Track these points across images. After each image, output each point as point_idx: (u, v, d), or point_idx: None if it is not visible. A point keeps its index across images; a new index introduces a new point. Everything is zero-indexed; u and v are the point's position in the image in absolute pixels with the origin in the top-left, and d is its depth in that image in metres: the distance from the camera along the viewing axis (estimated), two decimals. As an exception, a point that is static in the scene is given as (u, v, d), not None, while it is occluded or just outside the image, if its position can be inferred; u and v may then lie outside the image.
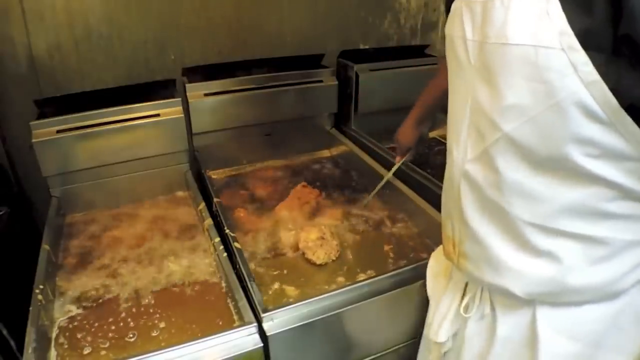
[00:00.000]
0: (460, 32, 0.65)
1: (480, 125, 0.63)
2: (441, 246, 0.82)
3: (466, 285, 0.77)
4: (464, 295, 0.77)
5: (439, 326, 0.80)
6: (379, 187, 1.27)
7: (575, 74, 0.50)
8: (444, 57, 0.95)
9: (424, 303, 0.85)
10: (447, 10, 0.73)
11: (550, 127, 0.54)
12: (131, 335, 0.87)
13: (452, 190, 0.71)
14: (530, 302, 0.66)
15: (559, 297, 0.64)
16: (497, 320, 0.72)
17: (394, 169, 1.27)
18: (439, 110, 1.21)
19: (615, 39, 0.48)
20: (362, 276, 1.01)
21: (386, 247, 1.11)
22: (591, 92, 0.50)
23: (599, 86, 0.49)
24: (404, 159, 1.26)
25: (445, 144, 1.64)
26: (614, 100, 0.49)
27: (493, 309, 0.73)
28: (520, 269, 0.64)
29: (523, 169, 0.59)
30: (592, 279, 0.61)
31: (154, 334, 0.87)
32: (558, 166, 0.56)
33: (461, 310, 0.77)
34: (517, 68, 0.55)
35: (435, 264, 0.89)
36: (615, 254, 0.60)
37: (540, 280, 0.63)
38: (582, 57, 0.49)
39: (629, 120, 0.50)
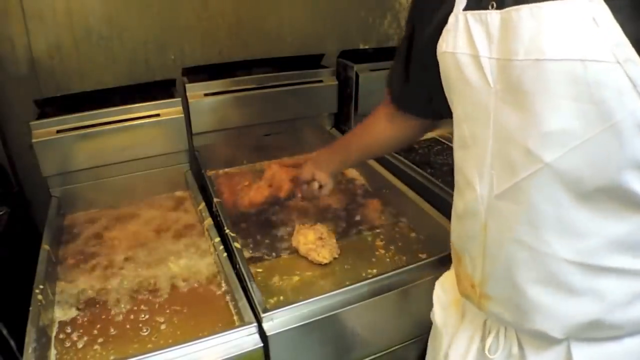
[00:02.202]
0: (469, 49, 0.57)
1: (510, 156, 0.55)
2: (447, 274, 0.79)
3: (485, 321, 0.71)
4: (484, 333, 0.71)
5: None
6: None
7: (635, 91, 0.44)
8: (388, 88, 0.87)
9: (424, 304, 0.85)
10: (411, 22, 0.67)
11: (604, 153, 0.47)
12: (131, 335, 0.87)
13: (474, 227, 0.64)
14: (565, 339, 0.60)
15: (598, 334, 0.58)
16: None
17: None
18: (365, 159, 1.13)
19: None
20: (363, 275, 1.01)
21: (386, 247, 1.11)
22: None
23: None
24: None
25: (445, 144, 1.65)
26: None
27: (521, 347, 0.66)
28: (556, 310, 0.58)
29: (565, 203, 0.52)
30: (635, 314, 0.56)
31: (154, 334, 0.87)
32: (608, 196, 0.50)
33: (486, 351, 0.69)
34: (559, 87, 0.47)
35: (444, 294, 0.82)
36: None
37: (581, 320, 0.57)
38: None
39: None
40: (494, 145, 0.57)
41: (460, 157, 0.66)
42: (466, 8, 0.59)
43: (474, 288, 0.67)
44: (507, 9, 0.52)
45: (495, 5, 0.54)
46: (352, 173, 1.47)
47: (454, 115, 0.65)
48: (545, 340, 0.61)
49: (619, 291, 0.55)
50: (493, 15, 0.53)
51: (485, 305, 0.65)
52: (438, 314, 0.81)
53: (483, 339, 0.71)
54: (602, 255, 0.53)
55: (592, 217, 0.52)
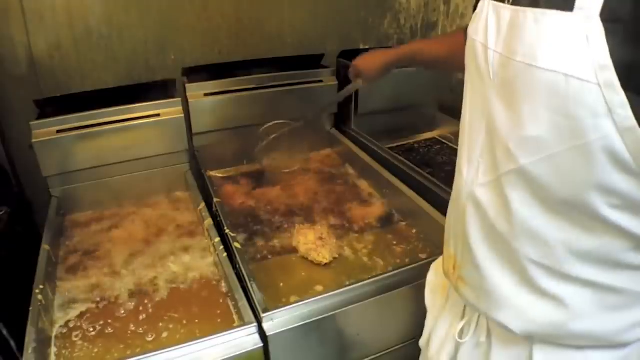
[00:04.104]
0: (483, 37, 0.58)
1: (496, 150, 0.57)
2: (441, 258, 0.79)
3: (465, 307, 0.72)
4: (462, 318, 0.72)
5: (439, 350, 0.76)
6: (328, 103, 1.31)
7: (609, 116, 0.43)
8: (463, 30, 0.85)
9: (424, 303, 0.85)
10: (475, 7, 0.65)
11: (571, 169, 0.48)
12: (131, 335, 0.87)
13: (458, 211, 0.66)
14: (528, 338, 0.62)
15: (560, 340, 0.59)
16: (492, 351, 0.67)
17: (352, 89, 1.25)
18: (421, 65, 1.19)
19: None
20: (363, 275, 1.01)
21: (386, 247, 1.11)
22: (625, 140, 0.44)
23: (636, 134, 0.43)
24: (358, 86, 1.22)
25: (444, 144, 1.65)
26: None
27: (489, 337, 0.68)
28: (520, 306, 0.59)
29: (536, 208, 0.54)
30: (598, 327, 0.56)
31: (153, 334, 0.87)
32: (575, 211, 0.51)
33: (456, 335, 0.72)
34: (543, 96, 0.48)
35: (435, 277, 0.84)
36: (628, 305, 0.55)
37: (541, 321, 0.58)
38: (620, 98, 0.43)
39: None
40: (486, 136, 0.59)
41: (459, 141, 0.68)
42: None
43: (454, 270, 0.69)
44: (518, 7, 0.52)
45: (510, 1, 0.55)
46: (352, 173, 1.47)
47: (464, 98, 0.66)
48: (510, 334, 0.62)
49: (583, 301, 0.55)
50: (506, 10, 0.54)
51: (462, 287, 0.68)
52: (427, 295, 0.84)
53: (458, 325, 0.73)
54: (567, 264, 0.54)
55: (561, 227, 0.53)
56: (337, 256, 1.06)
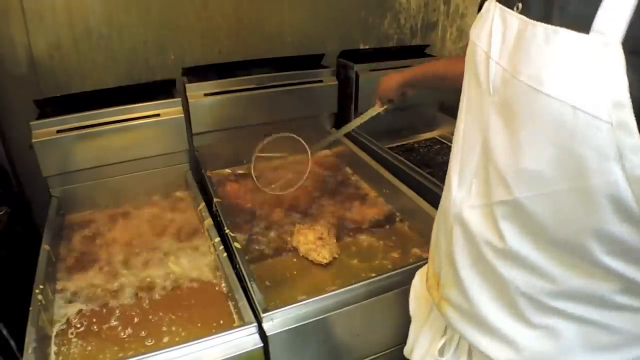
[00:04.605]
0: (485, 44, 0.53)
1: (490, 174, 0.52)
2: (426, 265, 0.76)
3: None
4: (443, 335, 0.69)
5: None
6: (346, 128, 1.33)
7: (619, 161, 0.38)
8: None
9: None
10: (480, 6, 0.59)
11: (570, 211, 0.44)
12: (131, 335, 0.87)
13: (444, 228, 0.62)
14: None
15: None
16: None
17: (368, 115, 1.30)
18: (430, 87, 1.22)
19: None
20: (363, 275, 1.01)
21: (385, 247, 1.11)
22: (633, 188, 0.39)
23: None
24: (383, 108, 1.27)
25: (444, 143, 1.65)
26: None
27: (470, 358, 0.65)
28: (507, 336, 0.55)
29: (529, 243, 0.50)
30: None
31: (154, 334, 0.87)
32: (569, 251, 0.47)
33: (436, 353, 0.68)
34: (546, 127, 0.43)
35: (419, 284, 0.80)
36: (622, 344, 0.51)
37: (529, 355, 0.54)
38: (634, 142, 0.37)
39: None
40: (481, 155, 0.54)
41: (452, 149, 0.63)
42: (500, 0, 0.53)
43: (437, 287, 0.66)
44: (527, 19, 0.46)
45: (520, 7, 0.49)
46: (352, 173, 1.47)
47: (460, 103, 0.62)
48: None
49: (575, 336, 0.52)
50: (514, 19, 0.48)
51: (445, 307, 0.64)
52: (411, 303, 0.82)
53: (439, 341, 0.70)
54: (560, 300, 0.51)
55: (554, 265, 0.49)
56: (337, 256, 1.06)
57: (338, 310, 0.86)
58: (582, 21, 0.40)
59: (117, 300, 0.95)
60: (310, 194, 1.34)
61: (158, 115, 1.25)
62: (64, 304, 0.94)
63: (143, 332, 0.87)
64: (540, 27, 0.44)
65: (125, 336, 0.86)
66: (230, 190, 1.37)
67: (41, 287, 0.89)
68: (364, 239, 1.15)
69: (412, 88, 1.19)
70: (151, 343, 0.85)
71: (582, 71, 0.40)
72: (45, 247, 1.01)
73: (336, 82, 1.55)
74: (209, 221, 1.12)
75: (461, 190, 0.58)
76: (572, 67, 0.40)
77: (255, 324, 0.81)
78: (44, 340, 0.82)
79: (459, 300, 0.61)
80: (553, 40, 0.42)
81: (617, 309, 0.49)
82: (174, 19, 1.41)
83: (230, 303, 0.92)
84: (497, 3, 0.53)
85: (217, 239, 1.04)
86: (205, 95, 1.38)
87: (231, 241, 1.01)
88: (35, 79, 1.30)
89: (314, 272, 1.03)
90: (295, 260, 1.07)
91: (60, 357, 0.82)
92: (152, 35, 1.40)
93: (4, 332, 0.91)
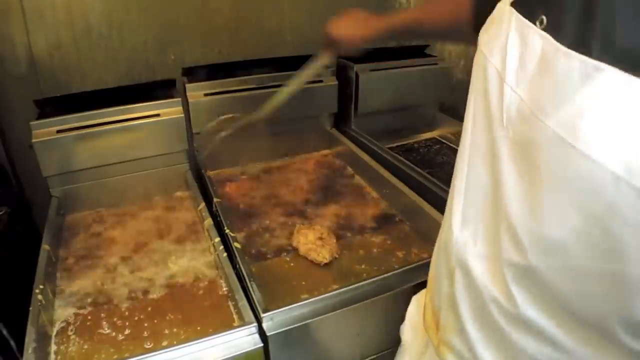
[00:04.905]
0: (499, 62, 0.43)
1: (500, 226, 0.44)
2: (424, 291, 0.69)
3: None
4: None
5: None
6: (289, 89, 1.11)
7: None
8: None
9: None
10: (491, 5, 0.48)
11: (596, 292, 0.37)
12: (131, 335, 0.87)
13: (446, 267, 0.54)
14: None
15: None
16: None
17: (312, 68, 1.07)
18: (419, 38, 0.96)
19: None
20: (363, 275, 1.01)
21: (385, 247, 1.11)
22: None
23: None
24: (323, 63, 1.02)
25: (444, 143, 1.65)
26: None
27: None
28: None
29: (545, 312, 0.42)
30: None
31: (153, 334, 0.87)
32: (591, 329, 0.40)
33: None
34: (577, 191, 0.34)
35: (417, 314, 0.72)
36: None
37: None
38: None
39: None
40: (489, 199, 0.46)
41: (455, 173, 0.54)
42: (514, 4, 0.44)
43: (437, 328, 0.59)
44: (554, 42, 0.36)
45: (545, 22, 0.38)
46: (352, 173, 1.47)
47: (464, 123, 0.53)
48: None
49: None
50: (536, 38, 0.39)
51: (444, 353, 0.57)
52: (406, 332, 0.75)
53: None
54: None
55: (568, 336, 0.42)
56: (337, 256, 1.06)
57: (338, 310, 0.86)
58: (633, 58, 0.31)
59: (117, 300, 0.95)
60: (310, 194, 1.34)
61: (158, 115, 1.25)
62: (64, 304, 0.94)
63: (142, 332, 0.87)
64: (576, 60, 0.34)
65: (125, 336, 0.86)
66: (230, 190, 1.37)
67: (41, 287, 0.89)
68: (364, 239, 1.15)
69: (389, 40, 0.94)
70: (150, 346, 0.85)
71: (632, 129, 0.30)
72: (45, 247, 1.01)
73: (336, 82, 1.55)
74: (209, 221, 1.12)
75: (464, 232, 0.50)
76: (620, 121, 0.31)
77: (255, 324, 0.81)
78: (44, 340, 0.82)
79: (461, 350, 0.54)
80: (594, 80, 0.32)
81: None
82: (174, 19, 1.41)
83: (230, 303, 0.93)
84: (514, 10, 0.43)
85: (217, 239, 1.04)
86: (205, 95, 1.38)
87: (231, 241, 1.01)
88: (35, 78, 1.30)
89: (314, 272, 1.03)
90: (295, 260, 1.07)
91: (60, 357, 0.82)
92: (152, 35, 1.40)
93: (4, 332, 0.91)
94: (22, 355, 0.75)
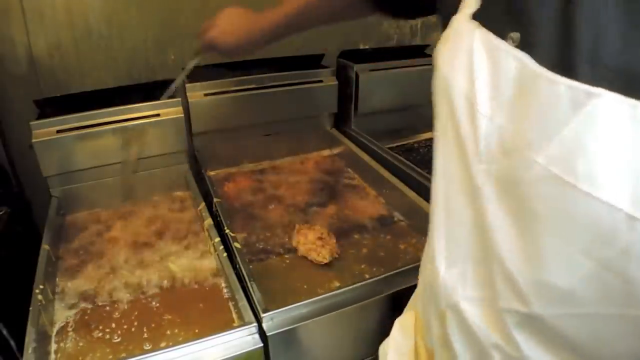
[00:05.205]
0: (465, 84, 0.37)
1: (493, 271, 0.40)
2: (408, 315, 0.66)
3: None
4: None
5: None
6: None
7: None
8: None
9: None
10: (446, 18, 0.43)
11: (613, 338, 0.33)
12: (131, 335, 0.87)
13: (434, 308, 0.49)
14: None
15: None
16: None
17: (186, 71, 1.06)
18: (311, 27, 0.87)
19: None
20: (363, 275, 1.01)
21: (385, 247, 1.11)
22: None
23: None
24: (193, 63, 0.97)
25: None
26: None
27: None
28: None
29: (553, 355, 0.38)
30: None
31: (153, 334, 0.87)
32: None
33: None
34: (584, 236, 0.31)
35: (402, 338, 0.66)
36: None
37: None
38: None
39: None
40: (476, 237, 0.41)
41: (431, 209, 0.47)
42: (476, 16, 0.38)
43: None
44: (533, 64, 0.31)
45: (518, 39, 0.33)
46: (352, 173, 1.47)
47: (434, 152, 0.47)
48: None
49: None
50: (509, 60, 0.33)
51: None
52: (390, 357, 0.69)
53: None
54: None
55: None
56: (337, 256, 1.06)
57: (338, 310, 0.86)
58: (634, 81, 0.26)
59: (117, 300, 0.95)
60: (310, 194, 1.34)
61: (158, 115, 1.25)
62: (64, 304, 0.94)
63: (142, 332, 0.87)
64: (562, 85, 0.29)
65: (125, 336, 0.86)
66: (230, 190, 1.37)
67: (41, 287, 0.89)
68: (364, 238, 1.15)
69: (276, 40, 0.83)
70: (149, 347, 0.85)
71: None
72: (45, 247, 1.01)
73: (336, 82, 1.55)
74: (209, 221, 1.12)
75: (451, 273, 0.45)
76: (627, 153, 0.27)
77: (255, 324, 0.81)
78: (44, 340, 0.82)
79: None
80: (588, 108, 0.28)
81: None
82: (174, 19, 1.41)
83: (230, 303, 0.92)
84: (479, 25, 0.36)
85: (217, 239, 1.04)
86: (205, 95, 1.38)
87: (231, 241, 1.01)
88: (35, 78, 1.30)
89: (314, 272, 1.03)
90: (295, 260, 1.07)
91: (60, 357, 0.82)
92: (152, 35, 1.40)
93: (4, 332, 0.91)
94: (22, 355, 0.75)
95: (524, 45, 0.32)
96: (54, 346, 0.84)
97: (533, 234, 0.34)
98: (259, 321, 0.82)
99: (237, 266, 0.95)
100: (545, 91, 0.30)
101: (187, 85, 1.37)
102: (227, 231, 1.05)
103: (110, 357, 0.82)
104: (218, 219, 1.13)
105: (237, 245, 1.00)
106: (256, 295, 0.86)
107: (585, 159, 0.28)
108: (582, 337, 0.35)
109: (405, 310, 0.70)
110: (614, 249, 0.29)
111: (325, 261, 1.04)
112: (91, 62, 1.36)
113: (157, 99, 1.27)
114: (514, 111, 0.33)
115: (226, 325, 0.87)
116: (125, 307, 0.93)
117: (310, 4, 0.76)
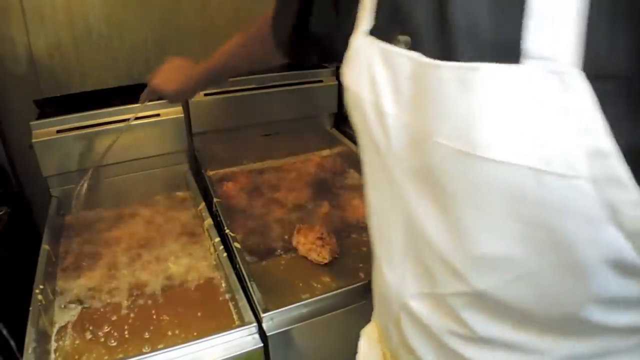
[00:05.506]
0: (370, 95, 0.41)
1: (429, 263, 0.41)
2: (372, 325, 0.67)
3: None
4: None
5: None
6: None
7: (614, 221, 0.28)
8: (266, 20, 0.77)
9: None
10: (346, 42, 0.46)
11: (557, 288, 0.34)
12: (131, 335, 0.87)
13: (389, 315, 0.51)
14: None
15: None
16: None
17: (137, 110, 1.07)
18: (237, 75, 0.98)
19: None
20: (362, 276, 1.01)
21: (386, 247, 1.11)
22: (638, 245, 0.29)
23: None
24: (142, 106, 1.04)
25: (445, 144, 1.66)
26: None
27: None
28: None
29: (505, 327, 0.39)
30: None
31: (153, 334, 0.87)
32: (563, 323, 0.37)
33: None
34: (499, 202, 0.32)
35: (369, 348, 0.67)
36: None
37: None
38: (630, 196, 0.27)
39: None
40: (406, 239, 0.43)
41: (367, 215, 0.50)
42: (373, 32, 0.42)
43: None
44: (421, 59, 0.35)
45: (407, 43, 0.37)
46: (352, 172, 1.47)
47: (362, 165, 0.49)
48: None
49: None
50: (402, 60, 0.37)
51: None
52: None
53: None
54: None
55: (541, 340, 0.39)
56: (337, 256, 1.06)
57: (338, 310, 0.86)
58: (506, 49, 0.29)
59: (117, 300, 0.95)
60: (310, 194, 1.34)
61: (158, 115, 1.25)
62: (64, 304, 0.94)
63: (142, 332, 0.87)
64: (446, 69, 0.32)
65: (125, 336, 0.86)
66: (230, 190, 1.37)
67: (41, 287, 0.89)
68: (364, 238, 1.15)
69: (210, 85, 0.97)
70: (149, 347, 0.85)
71: (530, 117, 0.28)
72: (45, 247, 1.01)
73: (336, 82, 1.55)
74: (209, 221, 1.12)
75: (394, 275, 0.47)
76: (513, 113, 0.29)
77: (255, 324, 0.81)
78: (43, 340, 0.82)
79: None
80: (471, 83, 0.30)
81: (616, 355, 0.40)
82: (174, 19, 1.41)
83: (230, 303, 0.92)
84: (374, 38, 0.41)
85: (217, 239, 1.04)
86: (205, 95, 1.38)
87: (231, 241, 1.01)
88: (35, 78, 1.30)
89: (314, 272, 1.03)
90: (295, 260, 1.07)
91: (60, 357, 0.82)
92: (152, 34, 1.40)
93: (4, 332, 0.91)
94: (22, 355, 0.75)
95: (414, 46, 0.36)
96: (53, 346, 0.84)
97: (455, 213, 0.36)
98: (259, 321, 0.82)
99: (237, 266, 0.95)
100: (434, 78, 0.33)
101: (187, 85, 1.37)
102: (227, 231, 1.05)
103: (111, 357, 0.82)
104: (218, 219, 1.13)
105: (237, 245, 1.00)
106: (256, 295, 0.86)
107: (479, 128, 0.30)
108: (527, 300, 0.36)
109: (372, 320, 0.72)
110: (529, 204, 0.30)
111: (325, 261, 1.04)
112: (91, 62, 1.36)
113: (158, 98, 1.27)
114: (414, 106, 0.36)
115: (226, 325, 0.87)
116: (125, 307, 0.93)
117: (232, 58, 0.91)
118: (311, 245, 1.06)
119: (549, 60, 0.27)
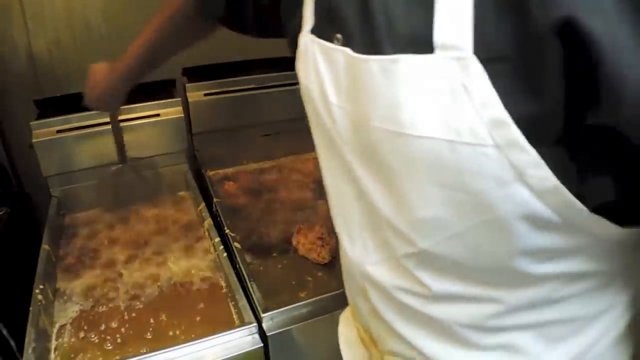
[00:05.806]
0: (318, 87, 0.47)
1: (383, 230, 0.46)
2: (348, 311, 0.69)
3: None
4: None
5: None
6: None
7: (521, 181, 0.33)
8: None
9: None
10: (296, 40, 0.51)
11: (485, 244, 0.39)
12: (131, 335, 0.87)
13: (355, 287, 0.56)
14: None
15: None
16: None
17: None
18: (164, 62, 0.96)
19: (580, 129, 0.31)
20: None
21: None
22: (546, 202, 0.34)
23: (559, 193, 0.33)
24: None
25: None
26: (579, 206, 0.34)
27: None
28: None
29: (454, 281, 0.44)
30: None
31: (153, 334, 0.87)
32: (500, 274, 0.42)
33: None
34: (425, 171, 0.37)
35: (348, 330, 0.71)
36: (578, 330, 0.47)
37: None
38: (530, 158, 0.32)
39: (600, 221, 0.35)
40: (362, 212, 0.49)
41: (328, 200, 0.56)
42: (314, 30, 0.48)
43: (374, 343, 0.58)
44: (352, 54, 0.40)
45: (341, 40, 0.42)
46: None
47: (316, 149, 0.56)
48: None
49: (531, 340, 0.46)
50: (338, 55, 0.42)
51: None
52: (343, 350, 0.73)
53: None
54: (502, 318, 0.45)
55: (486, 291, 0.43)
56: (337, 256, 1.06)
57: (338, 310, 0.86)
58: (419, 42, 0.35)
59: (117, 300, 0.95)
60: (310, 194, 1.34)
61: (158, 115, 1.25)
62: (64, 304, 0.94)
63: (142, 332, 0.87)
64: (373, 62, 0.38)
65: (125, 336, 0.86)
66: (230, 189, 1.37)
67: (41, 287, 0.89)
68: (364, 239, 1.15)
69: (137, 78, 0.94)
70: (152, 341, 0.85)
71: (441, 97, 0.34)
72: (45, 247, 1.01)
73: (336, 82, 1.54)
74: (209, 221, 1.12)
75: (355, 248, 0.52)
76: (430, 96, 0.35)
77: (255, 324, 0.81)
78: (43, 340, 0.82)
79: (404, 351, 0.54)
80: (393, 73, 0.36)
81: (566, 302, 0.45)
82: (174, 19, 1.41)
83: (230, 303, 0.93)
84: (315, 37, 0.46)
85: (217, 239, 1.04)
86: (205, 95, 1.38)
87: (231, 241, 1.01)
88: (35, 78, 1.30)
89: (314, 272, 1.03)
90: (295, 260, 1.07)
91: (60, 357, 0.82)
92: (152, 35, 1.40)
93: (4, 332, 0.91)
94: (22, 355, 0.75)
95: (346, 42, 0.42)
96: (53, 345, 0.84)
97: (394, 183, 0.41)
98: (259, 321, 0.82)
99: (237, 266, 0.95)
100: (364, 71, 0.39)
101: (187, 85, 1.37)
102: (227, 231, 1.05)
103: (111, 356, 0.82)
104: (218, 219, 1.13)
105: (237, 245, 1.00)
106: (256, 295, 0.86)
107: (404, 110, 0.36)
108: (464, 255, 0.41)
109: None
110: (448, 171, 0.36)
111: (325, 261, 1.04)
112: (91, 62, 1.36)
113: (158, 98, 1.27)
114: (351, 96, 0.42)
115: (226, 325, 0.87)
116: (126, 307, 0.93)
117: (156, 37, 0.88)
118: (311, 245, 1.06)
119: (453, 49, 0.33)
